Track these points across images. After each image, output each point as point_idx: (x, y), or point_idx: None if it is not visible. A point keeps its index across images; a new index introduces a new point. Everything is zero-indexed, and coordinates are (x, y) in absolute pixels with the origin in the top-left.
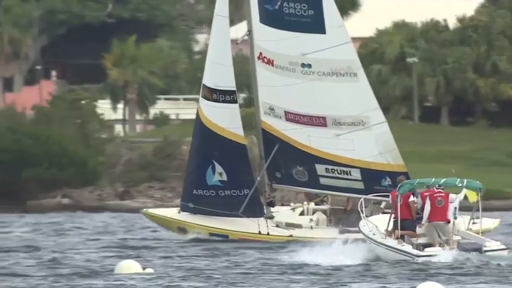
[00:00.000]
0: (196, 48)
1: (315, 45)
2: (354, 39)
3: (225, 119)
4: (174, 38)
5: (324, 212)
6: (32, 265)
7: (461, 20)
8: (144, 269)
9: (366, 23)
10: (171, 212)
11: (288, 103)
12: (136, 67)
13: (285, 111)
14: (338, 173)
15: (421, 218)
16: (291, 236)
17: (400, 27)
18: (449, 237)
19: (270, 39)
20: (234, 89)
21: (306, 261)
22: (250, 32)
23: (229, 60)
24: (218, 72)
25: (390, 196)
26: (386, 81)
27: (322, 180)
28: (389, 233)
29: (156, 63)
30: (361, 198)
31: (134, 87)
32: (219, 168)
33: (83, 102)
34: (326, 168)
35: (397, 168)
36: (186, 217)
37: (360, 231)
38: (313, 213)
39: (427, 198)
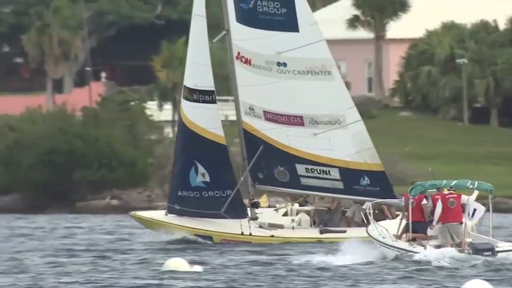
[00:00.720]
0: None
1: (289, 43)
2: (404, 40)
3: (205, 120)
4: (223, 39)
5: (308, 212)
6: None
7: (511, 20)
8: (191, 266)
9: (415, 24)
10: (158, 215)
11: (267, 102)
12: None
13: (264, 111)
14: (318, 173)
15: (432, 221)
16: (272, 236)
17: (450, 28)
18: (461, 239)
19: (246, 39)
20: (213, 89)
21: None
22: (227, 31)
23: (207, 60)
24: (197, 72)
25: (403, 198)
26: (435, 83)
27: (303, 181)
28: (399, 236)
29: None
30: (340, 197)
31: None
32: (201, 169)
33: (132, 103)
34: (306, 168)
35: (374, 167)
36: (171, 219)
37: (368, 235)
38: (297, 214)
39: (439, 199)
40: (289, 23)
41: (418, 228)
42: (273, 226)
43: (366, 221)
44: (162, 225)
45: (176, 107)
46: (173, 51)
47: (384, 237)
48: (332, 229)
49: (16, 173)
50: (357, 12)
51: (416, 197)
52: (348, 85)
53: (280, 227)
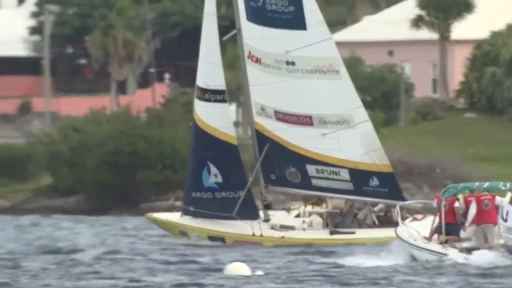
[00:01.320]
0: None
1: (297, 42)
2: (468, 41)
3: (217, 119)
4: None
5: (320, 215)
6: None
7: None
8: (253, 270)
9: (480, 24)
10: (174, 216)
11: (277, 102)
12: None
13: (274, 111)
14: (328, 174)
15: (463, 223)
16: (283, 237)
17: None
18: (494, 240)
19: (256, 37)
20: (224, 88)
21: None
22: (239, 30)
23: (218, 59)
24: (208, 71)
25: (435, 201)
26: (500, 84)
27: (314, 182)
28: (428, 238)
29: None
30: (351, 199)
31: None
32: (214, 170)
33: None
34: (316, 169)
35: (383, 168)
36: (185, 220)
37: (398, 237)
38: (309, 216)
39: (473, 201)
40: (297, 21)
41: (450, 230)
42: (284, 228)
43: (377, 223)
44: (177, 226)
45: (240, 108)
46: (237, 52)
47: (415, 240)
48: (342, 230)
49: (80, 174)
50: (421, 12)
51: (450, 199)
52: (412, 86)
53: (292, 228)
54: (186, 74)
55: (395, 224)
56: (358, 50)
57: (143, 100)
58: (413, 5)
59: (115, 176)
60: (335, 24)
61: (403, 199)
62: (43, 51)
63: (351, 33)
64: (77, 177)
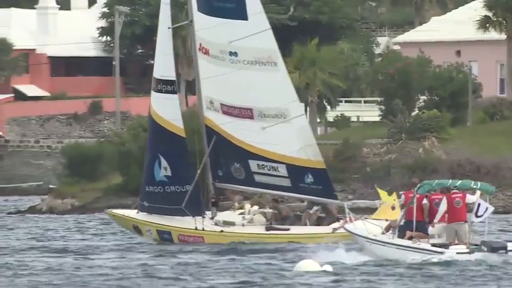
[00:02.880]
0: (377, 50)
1: (239, 32)
2: None
3: (167, 111)
4: (355, 40)
5: (264, 214)
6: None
7: None
8: (321, 266)
9: None
10: (131, 212)
11: (223, 95)
12: (317, 70)
13: (221, 104)
14: (268, 170)
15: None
16: (221, 231)
17: None
18: (465, 237)
19: (205, 28)
20: (174, 78)
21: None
22: (191, 22)
23: (169, 49)
24: (161, 61)
25: (403, 197)
26: None
27: (257, 178)
28: (383, 233)
29: (337, 66)
30: (288, 196)
31: (316, 89)
32: (164, 163)
33: None
34: (258, 164)
35: (317, 164)
36: (138, 215)
37: (351, 233)
38: (254, 214)
39: (443, 199)
40: (239, 11)
41: (418, 228)
42: (226, 223)
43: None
44: (130, 221)
45: (308, 108)
46: (304, 52)
47: (375, 235)
48: (277, 227)
49: None
50: (488, 13)
51: (418, 196)
52: (479, 86)
53: (232, 224)
54: None
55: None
56: (426, 50)
57: None
58: (481, 5)
59: None
60: (403, 24)
61: (335, 197)
62: (113, 51)
63: (418, 34)
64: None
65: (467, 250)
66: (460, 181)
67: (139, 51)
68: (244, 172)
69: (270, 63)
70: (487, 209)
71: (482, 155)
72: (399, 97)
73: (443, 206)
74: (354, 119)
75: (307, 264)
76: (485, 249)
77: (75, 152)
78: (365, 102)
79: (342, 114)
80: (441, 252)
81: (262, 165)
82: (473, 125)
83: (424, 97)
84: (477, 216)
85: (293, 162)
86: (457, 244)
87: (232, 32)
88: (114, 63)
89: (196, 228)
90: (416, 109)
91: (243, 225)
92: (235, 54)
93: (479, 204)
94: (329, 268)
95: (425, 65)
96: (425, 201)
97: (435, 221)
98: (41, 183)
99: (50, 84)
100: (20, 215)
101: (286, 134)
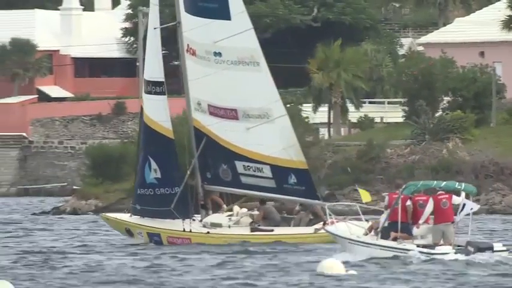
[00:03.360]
0: (401, 51)
1: (223, 32)
2: None
3: (155, 112)
4: (378, 41)
5: (252, 216)
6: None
7: None
8: (347, 270)
9: None
10: (124, 216)
11: (209, 96)
12: (341, 71)
13: (208, 105)
14: (253, 171)
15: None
16: (208, 232)
17: None
18: (451, 237)
19: (191, 28)
20: (163, 80)
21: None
22: (179, 23)
23: (157, 50)
24: (150, 62)
25: (387, 198)
26: None
27: (243, 179)
28: (365, 234)
29: (361, 67)
30: (274, 197)
31: (339, 90)
32: (154, 165)
33: (288, 105)
34: (243, 166)
35: (300, 165)
36: (128, 218)
37: (333, 234)
38: (242, 216)
39: (429, 200)
40: (222, 11)
41: (402, 229)
42: (213, 225)
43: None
44: (122, 224)
45: (332, 108)
46: (328, 54)
47: (358, 237)
48: (261, 228)
49: None
50: None
51: (403, 197)
52: (502, 87)
53: (219, 225)
54: (278, 75)
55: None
56: (450, 51)
57: None
58: (505, 6)
59: None
60: (427, 25)
61: (318, 198)
62: (137, 52)
63: (442, 35)
64: None
65: (453, 251)
66: (445, 182)
67: (163, 52)
68: (231, 174)
69: (253, 63)
70: (471, 208)
71: (506, 155)
72: (423, 98)
73: (429, 208)
74: (377, 120)
75: (331, 264)
76: (472, 249)
77: (99, 152)
78: (389, 103)
79: (365, 115)
80: (426, 253)
81: (248, 166)
82: (497, 125)
83: (447, 98)
84: (466, 214)
85: (276, 163)
86: (442, 245)
87: (216, 32)
88: (137, 64)
89: (184, 230)
90: (440, 110)
91: (229, 226)
92: (220, 54)
93: (464, 205)
94: (353, 272)
95: (449, 66)
96: (409, 202)
97: (420, 222)
98: (65, 184)
99: (74, 85)
100: (45, 216)
101: (269, 134)
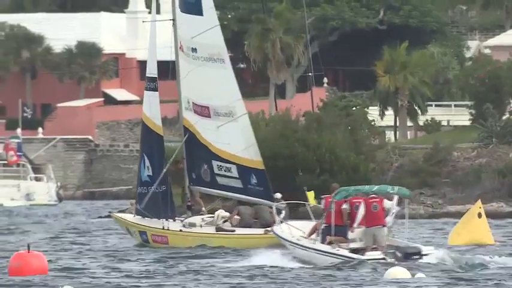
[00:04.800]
0: (468, 54)
1: (197, 28)
2: None
3: (149, 108)
4: (445, 44)
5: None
6: None
7: None
8: (413, 275)
9: None
10: (128, 216)
11: (191, 93)
12: (407, 74)
13: (192, 103)
14: (224, 171)
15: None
16: (180, 230)
17: None
18: (383, 241)
19: (180, 24)
20: (155, 75)
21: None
22: (174, 21)
23: (153, 45)
24: (148, 59)
25: (324, 202)
26: None
27: (218, 180)
28: (306, 237)
29: (427, 70)
30: (241, 198)
31: (405, 93)
32: (147, 162)
33: (354, 108)
34: (217, 165)
35: (258, 164)
36: (129, 217)
37: (278, 236)
38: (221, 219)
39: (362, 203)
40: (197, 6)
41: (337, 232)
42: (190, 225)
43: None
44: (124, 223)
45: (398, 111)
46: (395, 56)
47: (298, 239)
48: (225, 228)
49: None
50: None
51: (338, 201)
52: None
53: (194, 225)
54: (344, 78)
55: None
56: None
57: (302, 104)
58: None
59: (274, 180)
60: (493, 28)
61: (272, 200)
62: None
63: (509, 37)
64: None
65: (381, 256)
66: (377, 186)
67: (229, 55)
68: (209, 174)
69: (220, 60)
70: (393, 213)
71: None
72: (490, 101)
73: (361, 211)
74: (444, 123)
75: (398, 272)
76: (400, 254)
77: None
78: (455, 106)
79: (432, 118)
80: (357, 258)
81: (220, 166)
82: None
83: None
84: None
85: (241, 163)
86: (375, 248)
87: (193, 28)
88: None
89: (163, 228)
90: (507, 113)
91: (200, 226)
92: (195, 50)
93: (392, 210)
94: (421, 275)
95: None
96: (344, 205)
97: (354, 225)
98: (131, 187)
99: (140, 89)
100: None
101: (234, 133)
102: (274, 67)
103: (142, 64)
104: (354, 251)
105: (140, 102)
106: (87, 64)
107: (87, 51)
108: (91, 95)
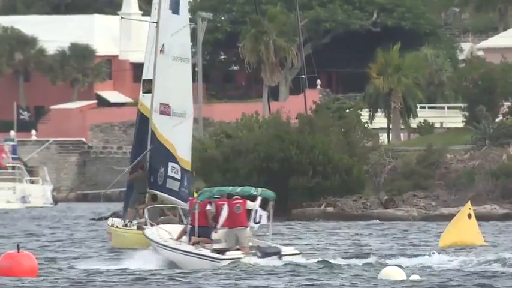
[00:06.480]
0: (461, 56)
1: (174, 26)
2: None
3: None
4: (438, 46)
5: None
6: None
7: None
8: (408, 276)
9: None
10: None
11: (160, 92)
12: (401, 76)
13: (159, 103)
14: (175, 173)
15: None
16: (117, 226)
17: None
18: (245, 242)
19: (166, 24)
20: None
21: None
22: (157, 23)
23: (151, 48)
24: (146, 60)
25: (188, 203)
26: None
27: (168, 183)
28: (176, 240)
29: (421, 72)
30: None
31: (398, 95)
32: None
33: (347, 111)
34: (172, 167)
35: (188, 166)
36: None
37: (147, 238)
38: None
39: (225, 205)
40: (175, 5)
41: (202, 233)
42: (126, 224)
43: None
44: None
45: (391, 114)
46: (388, 59)
47: (165, 241)
48: (143, 227)
49: (233, 180)
50: None
51: (203, 202)
52: None
53: (125, 224)
54: (337, 80)
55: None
56: (510, 55)
57: (295, 106)
58: None
59: (267, 182)
60: (487, 30)
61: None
62: (196, 57)
63: (502, 40)
64: (230, 183)
65: (242, 255)
66: (241, 188)
67: (222, 57)
68: (163, 176)
69: (186, 59)
70: (260, 216)
71: None
72: (483, 103)
73: (224, 212)
74: (437, 125)
75: (393, 271)
76: (259, 254)
77: None
78: (449, 108)
79: (425, 121)
80: (217, 258)
81: (173, 167)
82: None
83: (508, 103)
84: (255, 223)
85: (183, 165)
86: (237, 249)
87: (171, 25)
88: (196, 69)
89: (112, 225)
90: (501, 115)
91: (133, 224)
92: (172, 49)
93: (256, 211)
94: (416, 277)
95: (509, 71)
96: (209, 207)
97: (218, 226)
98: (124, 189)
99: (133, 91)
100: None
101: (184, 133)
102: (268, 69)
103: (136, 66)
104: (217, 251)
105: (133, 104)
106: (80, 66)
107: (80, 53)
108: (84, 97)
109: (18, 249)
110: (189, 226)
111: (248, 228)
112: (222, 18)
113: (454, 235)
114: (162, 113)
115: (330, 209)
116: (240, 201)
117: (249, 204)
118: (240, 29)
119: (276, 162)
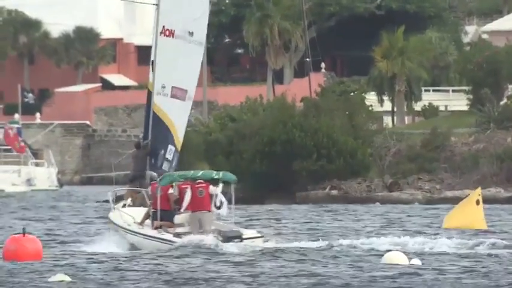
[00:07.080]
0: (466, 39)
1: (197, 11)
2: None
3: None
4: (443, 29)
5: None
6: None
7: None
8: (410, 260)
9: None
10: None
11: (172, 77)
12: (405, 59)
13: (172, 86)
14: (170, 154)
15: (178, 209)
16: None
17: None
18: (208, 226)
19: (178, 5)
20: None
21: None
22: (157, 5)
23: (153, 29)
24: (153, 43)
25: (150, 188)
26: None
27: (164, 165)
28: (140, 224)
29: (425, 55)
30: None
31: (403, 79)
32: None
33: (352, 94)
34: (169, 149)
35: (179, 146)
36: None
37: (112, 221)
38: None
39: (188, 188)
40: None
41: (164, 217)
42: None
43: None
44: None
45: (395, 97)
46: (392, 42)
47: (129, 224)
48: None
49: (237, 163)
50: None
51: (165, 186)
52: None
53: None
54: (342, 63)
55: None
56: None
57: (299, 89)
58: None
59: (271, 165)
60: (491, 13)
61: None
62: None
63: (507, 22)
64: (234, 167)
65: (203, 239)
66: (202, 172)
67: (227, 40)
68: (161, 158)
69: (200, 42)
70: (221, 202)
71: None
72: (488, 86)
73: (187, 196)
74: (442, 108)
75: (395, 256)
76: (221, 238)
77: None
78: (453, 91)
79: (429, 104)
80: (180, 242)
81: (170, 149)
82: None
83: None
84: (216, 208)
85: (178, 146)
86: (201, 233)
87: (194, 11)
88: None
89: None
90: (505, 98)
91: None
92: (192, 34)
93: (216, 195)
94: (417, 261)
95: None
96: (171, 190)
97: (181, 210)
98: (128, 172)
99: (137, 74)
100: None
101: (186, 115)
102: (272, 52)
103: (140, 49)
104: (180, 235)
105: (138, 87)
106: (85, 49)
107: (85, 36)
108: (89, 80)
109: (24, 233)
110: (152, 210)
111: (211, 212)
112: (227, 1)
113: (459, 218)
114: (177, 97)
115: (334, 192)
116: (203, 185)
117: (211, 189)
118: (244, 12)
119: (279, 145)
